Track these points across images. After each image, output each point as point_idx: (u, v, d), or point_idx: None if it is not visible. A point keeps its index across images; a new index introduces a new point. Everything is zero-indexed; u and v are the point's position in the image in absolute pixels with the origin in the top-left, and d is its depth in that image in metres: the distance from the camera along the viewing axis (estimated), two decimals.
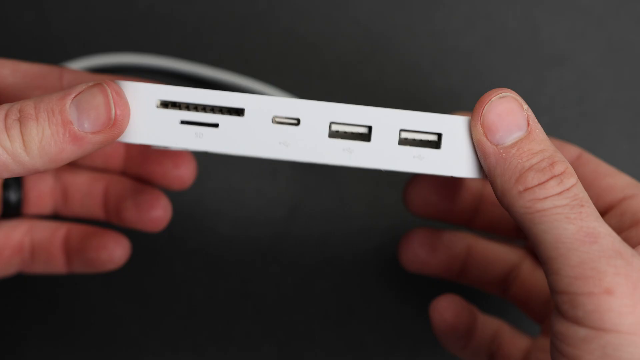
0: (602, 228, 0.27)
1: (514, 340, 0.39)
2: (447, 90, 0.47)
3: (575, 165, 0.36)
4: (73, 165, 0.41)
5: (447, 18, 0.48)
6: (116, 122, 0.29)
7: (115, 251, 0.40)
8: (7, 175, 0.28)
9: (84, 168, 0.41)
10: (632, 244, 0.31)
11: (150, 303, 0.45)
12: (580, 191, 0.28)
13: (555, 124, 0.46)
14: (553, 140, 0.36)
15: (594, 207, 0.28)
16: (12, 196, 0.40)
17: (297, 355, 0.46)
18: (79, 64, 0.46)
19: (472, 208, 0.40)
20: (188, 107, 0.30)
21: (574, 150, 0.37)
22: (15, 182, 0.40)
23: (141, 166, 0.40)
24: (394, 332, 0.46)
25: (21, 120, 0.28)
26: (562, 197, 0.27)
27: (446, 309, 0.38)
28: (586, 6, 0.47)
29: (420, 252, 0.40)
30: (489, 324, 0.40)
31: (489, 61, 0.47)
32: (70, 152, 0.28)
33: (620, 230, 0.33)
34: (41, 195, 0.40)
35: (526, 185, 0.28)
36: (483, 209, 0.40)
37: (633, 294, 0.26)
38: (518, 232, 0.40)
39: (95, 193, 0.40)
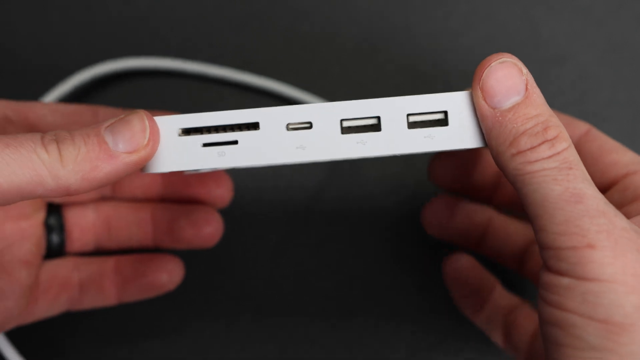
0: (589, 190, 0.28)
1: (532, 315, 0.40)
2: (447, 90, 0.47)
3: (583, 140, 0.37)
4: (113, 198, 0.43)
5: (447, 18, 0.48)
6: (149, 143, 0.30)
7: (173, 272, 0.42)
8: (41, 191, 0.29)
9: (122, 200, 0.43)
10: (632, 217, 0.32)
11: (150, 303, 0.45)
12: (570, 155, 0.29)
13: None
14: (563, 117, 0.37)
15: (584, 170, 0.29)
16: (55, 238, 0.41)
17: (297, 355, 0.46)
18: (85, 75, 0.46)
19: (494, 182, 0.41)
20: (208, 130, 0.31)
21: (582, 125, 0.37)
22: (58, 224, 0.41)
23: (183, 190, 0.42)
24: (394, 331, 0.46)
25: (58, 140, 0.29)
26: (551, 160, 0.29)
27: (458, 259, 0.42)
28: (586, 6, 0.48)
29: (441, 215, 0.43)
30: (507, 297, 0.41)
31: None
32: (104, 170, 0.30)
33: (622, 204, 0.34)
34: (84, 231, 0.42)
35: (519, 148, 0.29)
36: (504, 184, 0.41)
37: (614, 248, 0.27)
38: None
39: (144, 220, 0.42)
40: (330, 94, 0.47)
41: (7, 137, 0.29)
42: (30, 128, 0.39)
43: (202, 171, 0.36)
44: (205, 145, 0.31)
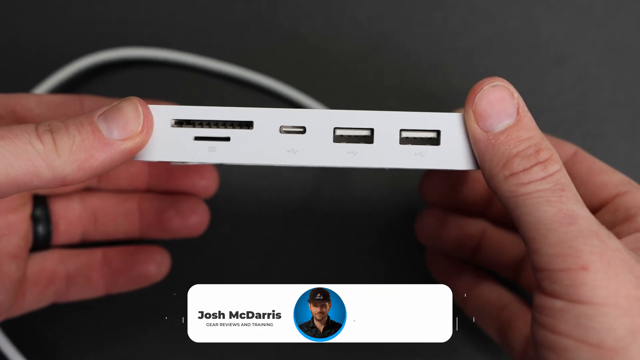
0: (581, 211, 0.29)
1: (526, 315, 0.40)
2: (446, 90, 0.47)
3: (572, 162, 0.37)
4: (98, 190, 0.43)
5: (447, 18, 0.48)
6: (143, 130, 0.30)
7: (162, 263, 0.42)
8: (37, 182, 0.29)
9: (108, 191, 0.43)
10: (624, 237, 0.32)
11: (150, 302, 0.45)
12: (562, 177, 0.29)
13: (555, 124, 0.46)
14: (550, 138, 0.37)
15: (576, 192, 0.29)
16: (42, 229, 0.41)
17: (297, 355, 0.46)
18: (83, 62, 0.46)
19: (485, 199, 0.42)
20: (201, 123, 0.31)
21: (570, 147, 0.38)
22: (45, 216, 0.41)
23: (168, 181, 0.42)
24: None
25: (52, 130, 0.29)
26: (544, 182, 0.29)
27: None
28: (586, 6, 0.47)
29: (433, 227, 0.43)
30: (499, 292, 0.41)
31: (489, 61, 0.47)
32: (99, 159, 0.30)
33: (614, 225, 0.34)
34: (70, 223, 0.42)
35: (512, 170, 0.29)
36: (495, 200, 0.42)
37: (607, 270, 0.27)
38: None
39: (130, 211, 0.42)
40: (330, 95, 0.47)
41: (1, 129, 0.29)
42: (18, 121, 0.38)
43: (190, 164, 0.36)
44: (197, 138, 0.31)
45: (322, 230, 0.46)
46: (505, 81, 0.30)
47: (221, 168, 0.45)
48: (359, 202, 0.46)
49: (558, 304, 0.28)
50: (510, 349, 0.40)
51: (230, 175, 0.46)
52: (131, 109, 0.30)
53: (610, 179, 0.35)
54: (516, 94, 0.30)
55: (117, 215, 0.42)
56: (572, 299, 0.28)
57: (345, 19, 0.48)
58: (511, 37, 0.47)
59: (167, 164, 0.42)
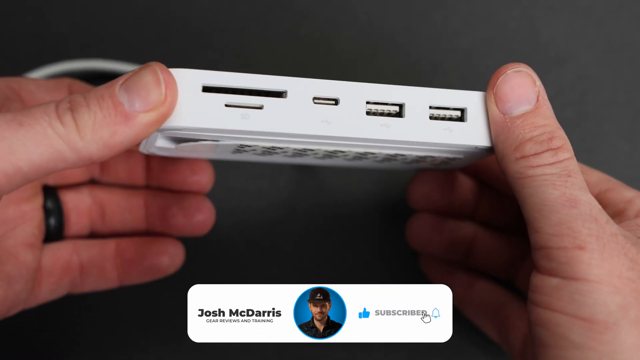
0: (584, 197, 0.30)
1: (524, 314, 0.40)
2: None
3: None
4: (106, 184, 0.42)
5: (447, 19, 0.48)
6: (166, 99, 0.29)
7: (175, 255, 0.42)
8: (63, 165, 0.29)
9: (116, 185, 0.43)
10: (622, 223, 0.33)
11: (150, 302, 0.45)
12: (571, 164, 0.30)
13: None
14: None
15: (582, 179, 0.30)
16: (54, 221, 0.41)
17: (297, 355, 0.46)
18: (77, 64, 0.46)
19: (472, 201, 0.42)
20: (232, 90, 0.30)
21: None
22: (56, 207, 0.41)
23: (161, 177, 0.42)
24: None
25: (72, 108, 0.29)
26: (553, 167, 0.30)
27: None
28: (586, 6, 0.48)
29: (424, 231, 0.43)
30: (496, 291, 0.42)
31: (489, 61, 0.47)
32: (123, 134, 0.29)
33: None
34: (80, 215, 0.42)
35: (523, 153, 0.30)
36: (483, 202, 0.42)
37: (602, 251, 0.29)
38: (517, 226, 0.41)
39: (137, 206, 0.42)
40: None
41: (20, 115, 0.28)
42: (24, 103, 0.38)
43: (197, 154, 0.35)
44: (228, 105, 0.30)
45: (322, 230, 0.46)
46: (528, 68, 0.31)
47: (218, 166, 0.45)
48: (359, 202, 0.46)
49: (554, 281, 0.29)
50: (510, 347, 0.40)
51: (231, 175, 0.46)
52: (152, 77, 0.29)
53: (589, 177, 0.36)
54: (538, 82, 0.31)
55: (124, 210, 0.42)
56: (567, 276, 0.29)
57: (345, 19, 0.48)
58: (511, 37, 0.47)
59: (164, 158, 0.41)
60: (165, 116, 0.29)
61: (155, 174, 0.42)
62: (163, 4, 0.48)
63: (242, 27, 0.48)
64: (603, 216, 0.29)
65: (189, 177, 0.42)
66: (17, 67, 0.46)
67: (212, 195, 0.46)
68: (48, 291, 0.40)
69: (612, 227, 0.29)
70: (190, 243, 0.45)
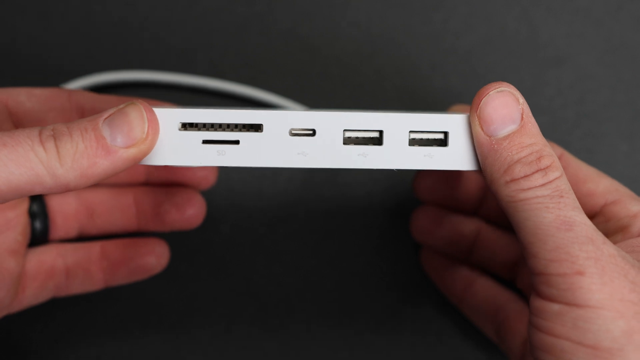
0: (578, 217, 0.29)
1: (523, 316, 0.40)
2: (446, 91, 0.47)
3: None
4: (94, 184, 0.42)
5: (447, 19, 0.48)
6: (148, 137, 0.30)
7: (161, 255, 0.42)
8: (39, 189, 0.29)
9: (104, 185, 0.43)
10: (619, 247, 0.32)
11: (151, 302, 0.45)
12: (562, 183, 0.30)
13: (554, 124, 0.46)
14: None
15: (574, 198, 0.30)
16: (39, 224, 0.41)
17: (297, 355, 0.46)
18: (80, 83, 0.46)
19: (478, 197, 0.42)
20: (209, 127, 0.31)
21: (556, 150, 0.38)
22: (41, 211, 0.41)
23: (168, 172, 0.42)
24: (395, 330, 0.46)
25: (55, 136, 0.29)
26: (544, 188, 0.29)
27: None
28: (585, 7, 0.48)
29: (428, 224, 0.43)
30: (494, 291, 0.42)
31: (488, 62, 0.47)
32: (102, 166, 0.29)
33: (607, 236, 0.34)
34: (67, 218, 0.42)
35: (513, 176, 0.30)
36: (489, 198, 0.42)
37: (602, 275, 0.28)
38: None
39: (126, 205, 0.42)
40: (330, 96, 0.47)
41: (4, 135, 0.29)
42: (11, 115, 0.38)
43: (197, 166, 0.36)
44: (205, 142, 0.31)
45: (322, 230, 0.46)
46: (511, 86, 0.31)
47: (229, 171, 0.45)
48: (359, 200, 0.46)
49: (555, 307, 0.29)
50: (508, 350, 0.40)
51: (231, 175, 0.46)
52: (136, 115, 0.30)
53: (597, 187, 0.36)
54: (521, 100, 0.31)
55: (114, 209, 0.42)
56: (568, 302, 0.28)
57: (346, 19, 0.48)
58: (511, 37, 0.47)
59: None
60: (145, 153, 0.30)
61: (161, 171, 0.42)
62: (163, 4, 0.48)
63: (242, 27, 0.48)
64: (599, 236, 0.29)
65: (198, 172, 0.42)
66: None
67: (212, 195, 0.46)
68: (32, 296, 0.40)
69: (609, 248, 0.29)
70: (191, 243, 0.45)
